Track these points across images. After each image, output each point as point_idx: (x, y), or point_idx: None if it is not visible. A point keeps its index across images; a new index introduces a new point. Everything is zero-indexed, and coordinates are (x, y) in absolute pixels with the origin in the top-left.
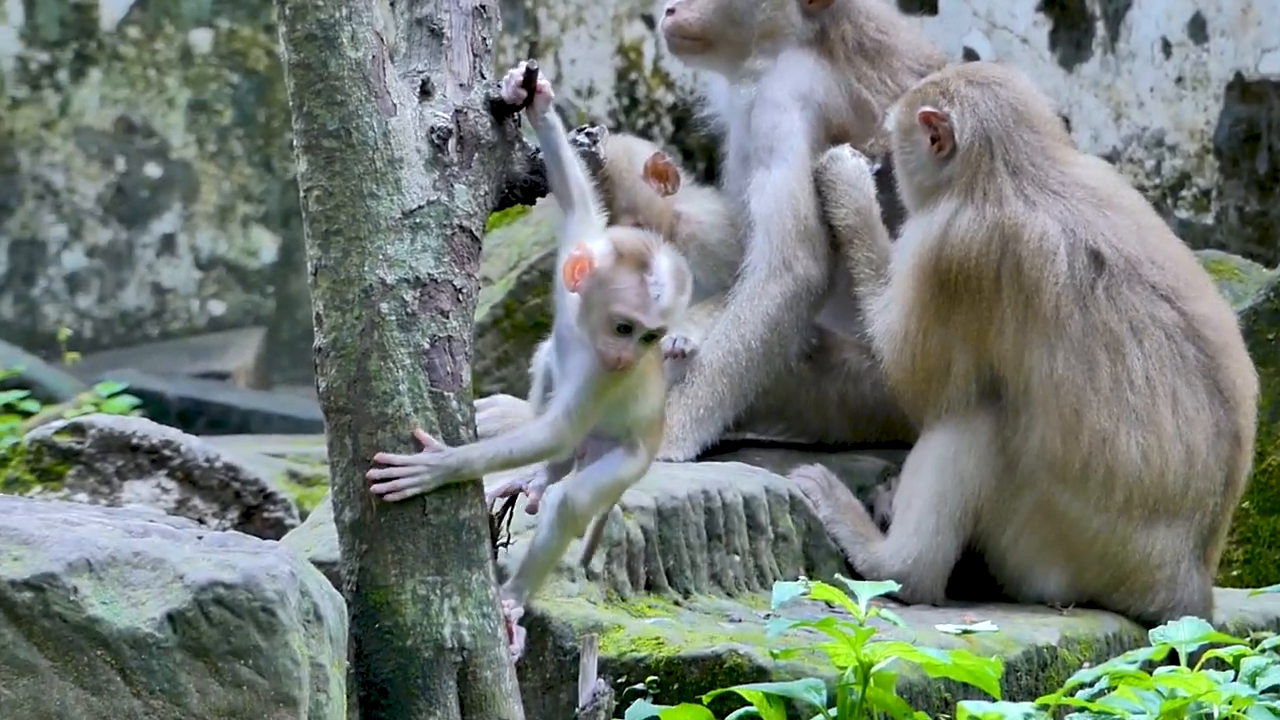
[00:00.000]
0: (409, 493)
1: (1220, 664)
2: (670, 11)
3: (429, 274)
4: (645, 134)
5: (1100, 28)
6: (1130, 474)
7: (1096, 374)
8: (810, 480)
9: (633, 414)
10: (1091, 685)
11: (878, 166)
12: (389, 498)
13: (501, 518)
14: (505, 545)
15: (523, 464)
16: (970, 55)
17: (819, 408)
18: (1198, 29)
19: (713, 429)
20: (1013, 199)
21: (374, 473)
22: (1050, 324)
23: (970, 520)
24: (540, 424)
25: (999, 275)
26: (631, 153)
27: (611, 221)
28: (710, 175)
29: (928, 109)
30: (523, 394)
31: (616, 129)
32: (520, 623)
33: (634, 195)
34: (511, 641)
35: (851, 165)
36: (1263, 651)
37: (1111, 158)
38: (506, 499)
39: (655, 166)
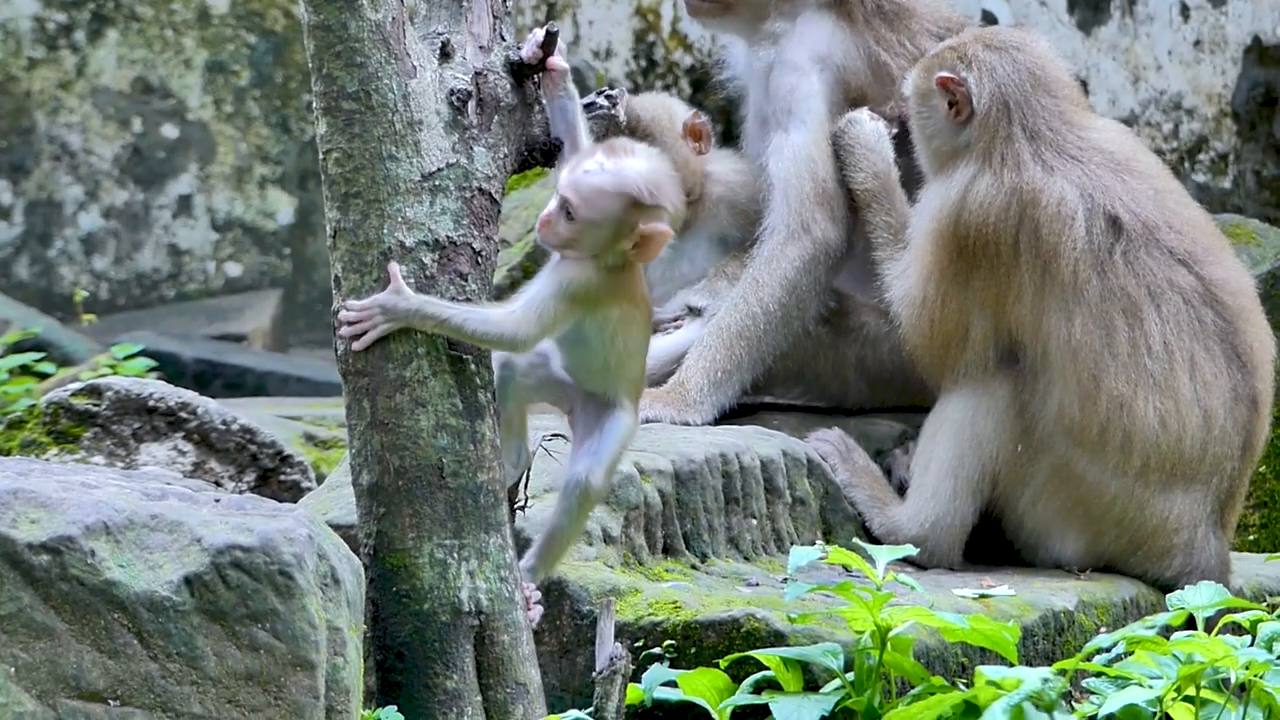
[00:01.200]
0: (370, 338)
1: (1237, 629)
2: None
3: (448, 236)
4: None
5: None
6: (1148, 439)
7: (1114, 339)
8: (828, 444)
9: (614, 360)
10: (1109, 650)
11: (896, 130)
12: (354, 345)
13: (520, 481)
14: (523, 509)
15: (474, 342)
16: (988, 18)
17: (837, 371)
18: None
19: (730, 392)
20: (1030, 164)
21: (344, 329)
22: (1068, 289)
23: (988, 484)
24: (504, 310)
25: (1017, 240)
26: (672, 112)
27: None
28: (728, 138)
29: (945, 74)
30: None
31: (634, 91)
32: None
33: (674, 153)
34: (529, 609)
35: (870, 129)
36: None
37: (1129, 121)
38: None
39: (692, 126)
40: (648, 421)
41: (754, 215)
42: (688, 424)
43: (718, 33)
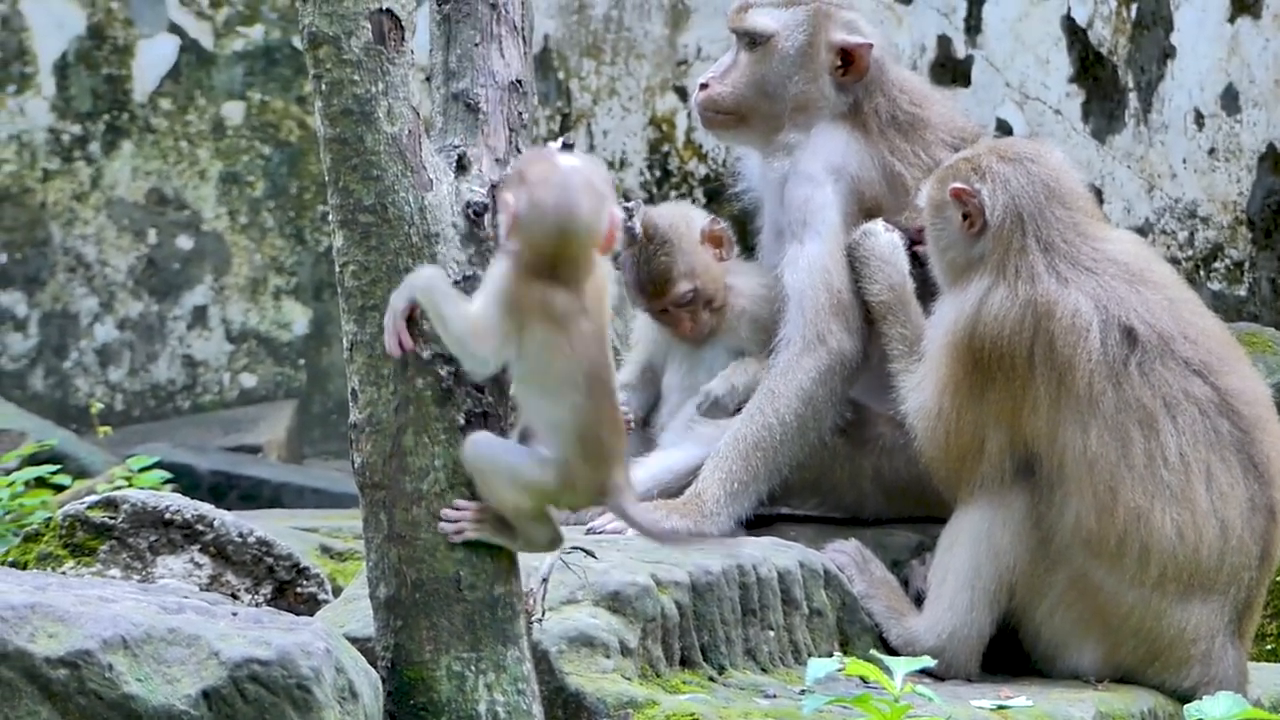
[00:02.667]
0: (469, 536)
1: None
2: (704, 86)
3: None
4: None
5: (1133, 99)
6: (1165, 550)
7: (1130, 451)
8: (845, 555)
9: (545, 409)
10: None
11: (910, 242)
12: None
13: (538, 594)
14: (540, 621)
15: (436, 322)
16: (1003, 127)
17: (854, 482)
18: (1230, 100)
19: (747, 503)
20: (1045, 276)
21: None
22: (1083, 401)
23: (1005, 595)
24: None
25: (1032, 353)
26: (689, 219)
27: (669, 288)
28: (744, 249)
29: (959, 185)
30: None
31: (650, 201)
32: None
33: (693, 259)
34: None
35: (885, 240)
36: None
37: (1144, 229)
38: (543, 579)
39: (712, 232)
40: None
41: (775, 330)
42: (704, 535)
43: (732, 144)
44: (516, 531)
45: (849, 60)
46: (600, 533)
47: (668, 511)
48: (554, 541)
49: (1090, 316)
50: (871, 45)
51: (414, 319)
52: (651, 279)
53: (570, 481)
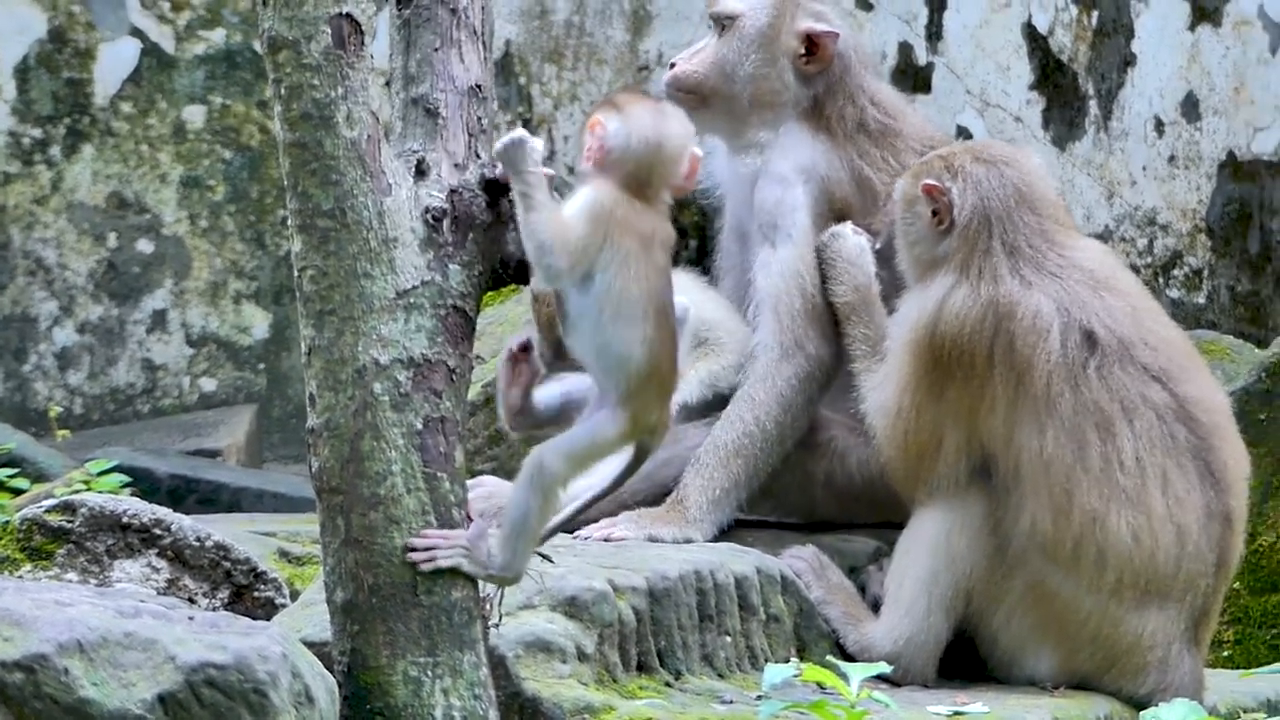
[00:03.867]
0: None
1: None
2: (672, 65)
3: (423, 354)
4: None
5: (1093, 106)
6: (1121, 554)
7: (1087, 453)
8: (802, 561)
9: (608, 322)
10: None
11: (878, 244)
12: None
13: (492, 598)
14: (496, 626)
15: (522, 211)
16: (964, 134)
17: (804, 486)
18: (1190, 108)
19: (729, 510)
20: (1008, 278)
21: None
22: (1041, 402)
23: (961, 601)
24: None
25: (992, 352)
26: None
27: None
28: (702, 253)
29: (931, 181)
30: (514, 474)
31: None
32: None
33: None
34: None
35: (852, 243)
36: None
37: (1104, 236)
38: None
39: None
40: (652, 540)
41: (700, 328)
42: (690, 541)
43: (697, 130)
44: (487, 559)
45: (813, 48)
46: (588, 540)
47: (651, 520)
48: (518, 578)
49: (1051, 318)
50: (837, 34)
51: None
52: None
53: (634, 417)
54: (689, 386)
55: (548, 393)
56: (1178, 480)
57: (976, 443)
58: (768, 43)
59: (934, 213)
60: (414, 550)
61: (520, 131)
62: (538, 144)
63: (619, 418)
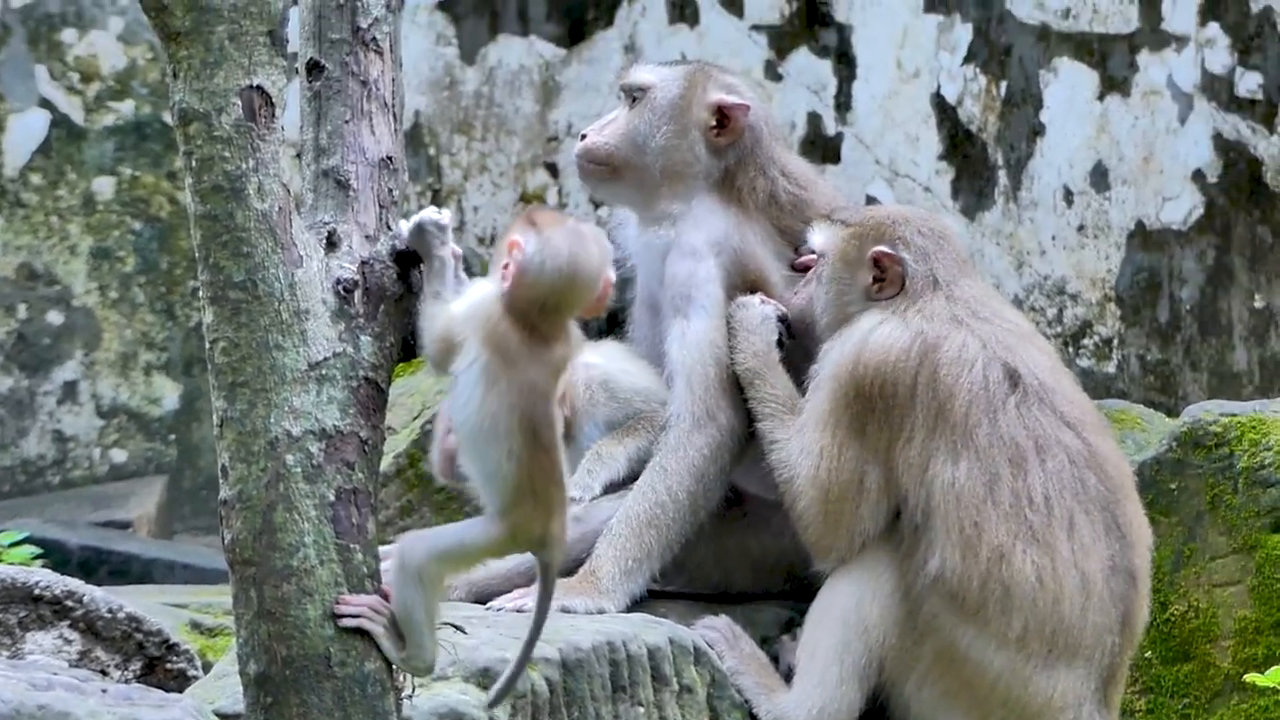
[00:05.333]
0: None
1: None
2: (583, 137)
3: (335, 426)
4: None
5: (1002, 176)
6: (1025, 596)
7: (998, 487)
8: (715, 631)
9: (481, 453)
10: None
11: (789, 315)
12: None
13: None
14: (410, 698)
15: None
16: (872, 203)
17: (719, 559)
18: (1099, 178)
19: (641, 580)
20: (939, 316)
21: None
22: (959, 431)
23: (874, 670)
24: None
25: (915, 382)
26: None
27: None
28: (613, 324)
29: (883, 249)
30: None
31: None
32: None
33: None
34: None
35: (757, 312)
36: None
37: (1013, 306)
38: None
39: None
40: (565, 611)
41: (631, 404)
42: (603, 612)
43: (607, 201)
44: (404, 643)
45: (724, 120)
46: (500, 610)
47: (564, 590)
48: (429, 669)
49: (977, 352)
50: (748, 107)
51: None
52: None
53: (512, 531)
54: (616, 464)
55: None
56: (1084, 527)
57: (893, 480)
58: (678, 114)
59: (876, 279)
60: (342, 604)
61: (428, 214)
62: (447, 224)
63: (493, 528)
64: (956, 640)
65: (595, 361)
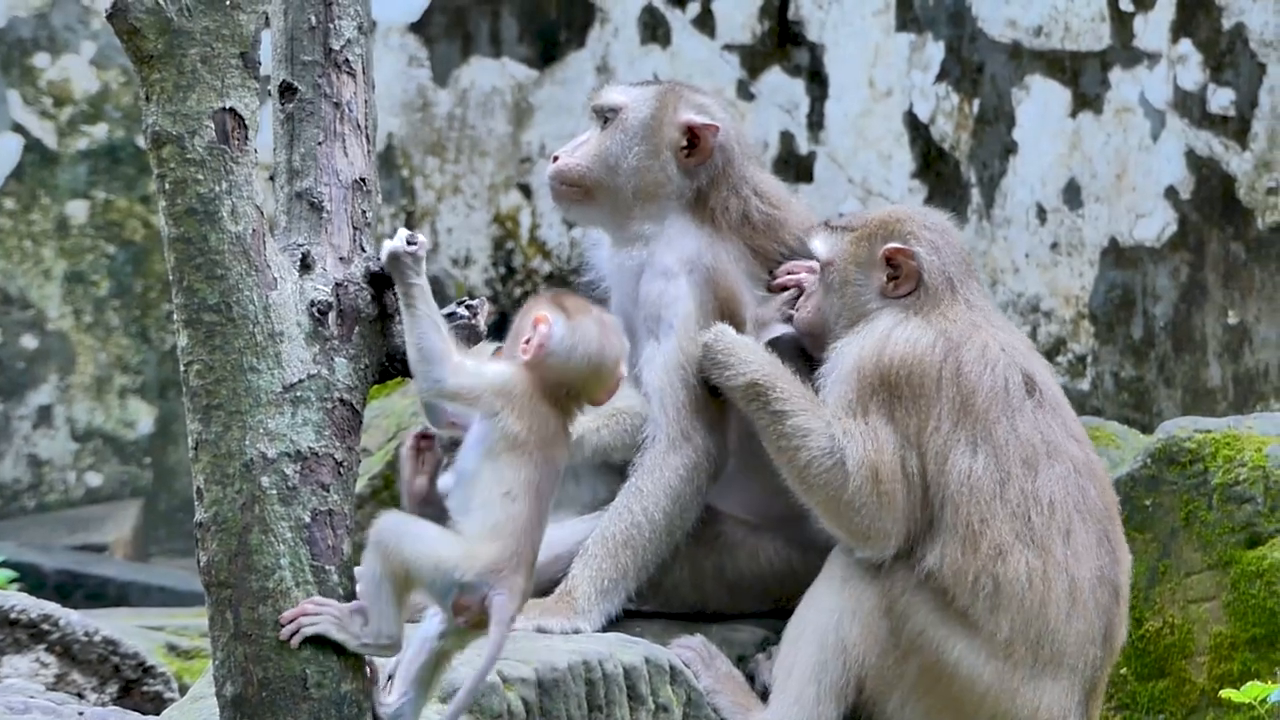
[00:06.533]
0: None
1: None
2: (555, 159)
3: (310, 448)
4: (522, 303)
5: (975, 194)
6: (1014, 594)
7: (1009, 485)
8: (690, 650)
9: (480, 489)
10: None
11: (767, 336)
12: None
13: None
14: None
15: (412, 348)
16: None
17: (696, 581)
18: (1072, 195)
19: (617, 600)
20: (962, 319)
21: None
22: (980, 425)
23: (853, 689)
24: (455, 356)
25: (940, 374)
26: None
27: None
28: None
29: (896, 245)
30: None
31: (494, 298)
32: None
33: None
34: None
35: (739, 336)
36: None
37: None
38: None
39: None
40: (541, 631)
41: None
42: (578, 632)
43: (582, 223)
44: (359, 630)
45: (694, 140)
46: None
47: (539, 610)
48: (395, 645)
49: (998, 355)
50: (718, 127)
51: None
52: None
53: (474, 555)
54: (580, 451)
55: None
56: (1080, 534)
57: (924, 467)
58: (650, 135)
59: (891, 277)
60: (284, 623)
61: (401, 243)
62: (423, 249)
63: (462, 550)
64: (944, 654)
65: None
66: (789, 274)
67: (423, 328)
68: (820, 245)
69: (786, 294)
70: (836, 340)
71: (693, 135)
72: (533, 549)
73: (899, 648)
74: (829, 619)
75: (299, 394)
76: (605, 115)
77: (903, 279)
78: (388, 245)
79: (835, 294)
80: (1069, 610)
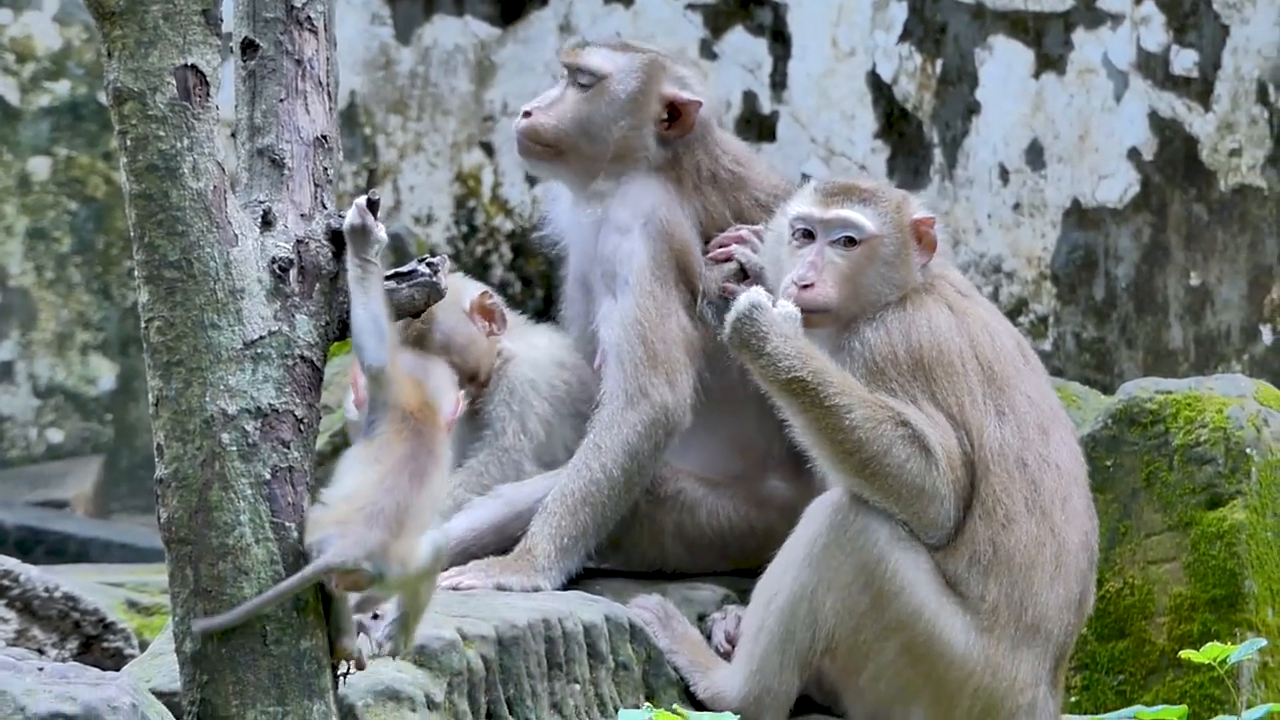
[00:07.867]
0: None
1: None
2: (527, 114)
3: (270, 404)
4: (484, 261)
5: (938, 155)
6: (1007, 559)
7: (1027, 452)
8: (648, 611)
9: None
10: None
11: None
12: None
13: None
14: (345, 675)
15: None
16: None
17: (655, 539)
18: (1035, 156)
19: (577, 558)
20: (952, 294)
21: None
22: (1004, 393)
23: (818, 659)
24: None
25: (963, 349)
26: (458, 290)
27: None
28: (549, 302)
29: (925, 215)
30: None
31: (455, 256)
32: None
33: (452, 334)
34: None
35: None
36: None
37: None
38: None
39: (481, 306)
40: (500, 589)
41: (555, 395)
42: (538, 589)
43: (546, 178)
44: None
45: (676, 115)
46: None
47: (499, 568)
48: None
49: (997, 325)
50: (701, 103)
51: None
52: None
53: (318, 521)
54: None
55: None
56: (1075, 500)
57: (968, 443)
58: (635, 109)
59: (919, 243)
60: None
61: (354, 217)
62: (382, 235)
63: (313, 517)
64: (927, 627)
65: (521, 355)
66: (720, 246)
67: (367, 313)
68: (858, 216)
69: (728, 267)
70: (868, 306)
71: (675, 110)
72: (397, 504)
73: (879, 622)
74: (802, 588)
75: (260, 350)
76: (582, 77)
77: (927, 246)
78: (347, 218)
79: (879, 265)
80: (1053, 575)
